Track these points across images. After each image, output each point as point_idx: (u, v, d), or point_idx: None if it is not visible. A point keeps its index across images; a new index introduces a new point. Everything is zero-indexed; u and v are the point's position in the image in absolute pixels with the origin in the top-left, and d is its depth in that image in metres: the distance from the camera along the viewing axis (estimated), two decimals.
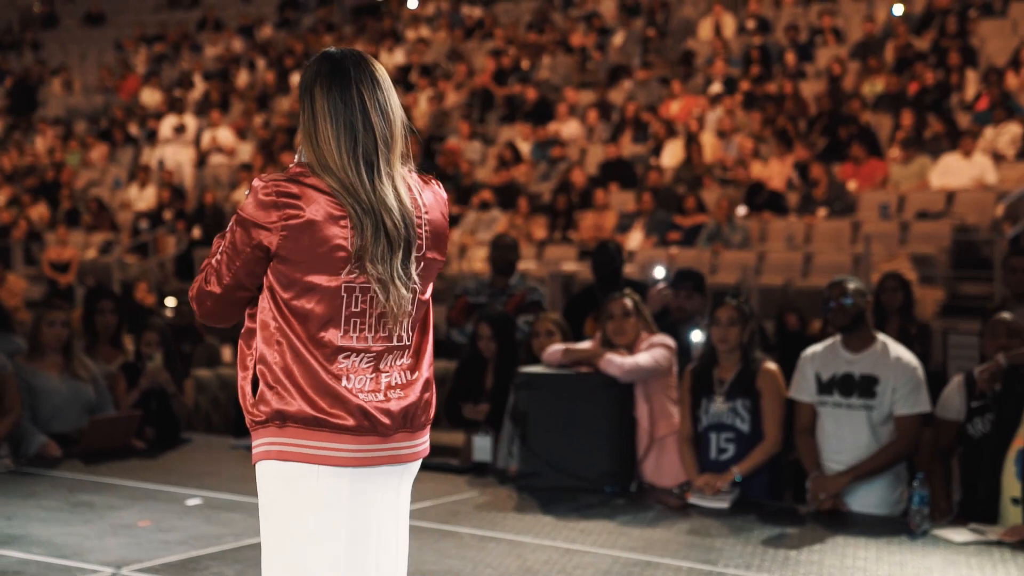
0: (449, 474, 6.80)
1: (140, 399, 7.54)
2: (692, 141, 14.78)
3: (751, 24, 17.72)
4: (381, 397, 2.89)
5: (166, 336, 7.72)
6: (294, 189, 2.82)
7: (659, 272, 7.88)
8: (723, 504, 5.89)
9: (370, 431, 2.86)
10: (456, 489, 6.42)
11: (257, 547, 5.36)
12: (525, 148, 16.28)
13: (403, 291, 2.86)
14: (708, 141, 15.05)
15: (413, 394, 2.94)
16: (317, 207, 2.80)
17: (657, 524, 5.71)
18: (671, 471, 6.33)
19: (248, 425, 2.93)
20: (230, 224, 2.87)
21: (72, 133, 20.11)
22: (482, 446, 6.92)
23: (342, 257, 2.82)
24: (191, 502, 6.17)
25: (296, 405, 2.85)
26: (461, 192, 15.46)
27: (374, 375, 2.90)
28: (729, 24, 18.00)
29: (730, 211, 13.13)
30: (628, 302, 6.43)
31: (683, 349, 6.73)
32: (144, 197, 17.57)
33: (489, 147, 16.92)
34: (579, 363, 6.38)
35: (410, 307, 2.91)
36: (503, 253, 8.28)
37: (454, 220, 14.98)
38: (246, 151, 18.21)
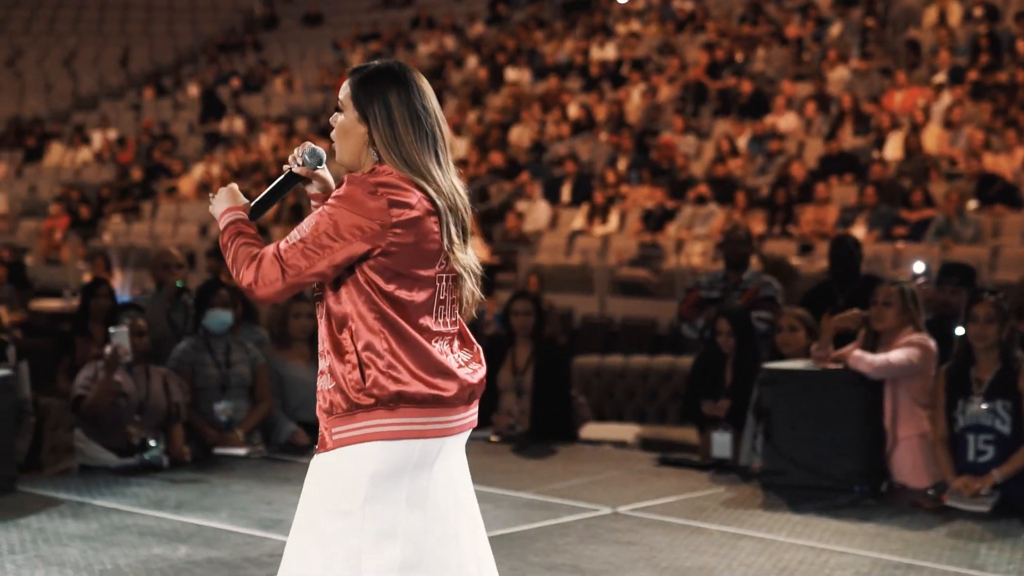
0: (689, 470, 6.77)
1: None
2: (916, 133, 14.37)
3: (978, 12, 17.13)
4: (468, 371, 3.11)
5: None
6: (401, 188, 3.00)
7: (918, 267, 7.69)
8: (983, 507, 5.71)
9: (463, 402, 3.09)
10: (699, 485, 6.38)
11: (509, 537, 5.46)
12: (741, 142, 16.09)
13: (475, 279, 3.11)
14: (933, 132, 14.61)
15: (482, 367, 3.18)
16: (419, 204, 3.00)
17: (914, 526, 5.57)
18: (918, 472, 6.17)
19: (339, 411, 3.01)
20: (321, 217, 2.98)
21: (294, 130, 20.73)
22: (722, 442, 6.87)
23: (436, 250, 3.04)
24: None
25: (415, 386, 3.01)
26: (676, 187, 15.38)
27: (452, 355, 3.12)
28: (955, 12, 17.44)
29: (960, 204, 12.71)
30: (895, 290, 6.28)
31: (950, 345, 6.51)
32: None
33: (703, 141, 16.78)
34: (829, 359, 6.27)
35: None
36: (735, 247, 8.18)
37: (670, 214, 14.92)
38: (461, 147, 18.47)
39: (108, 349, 6.59)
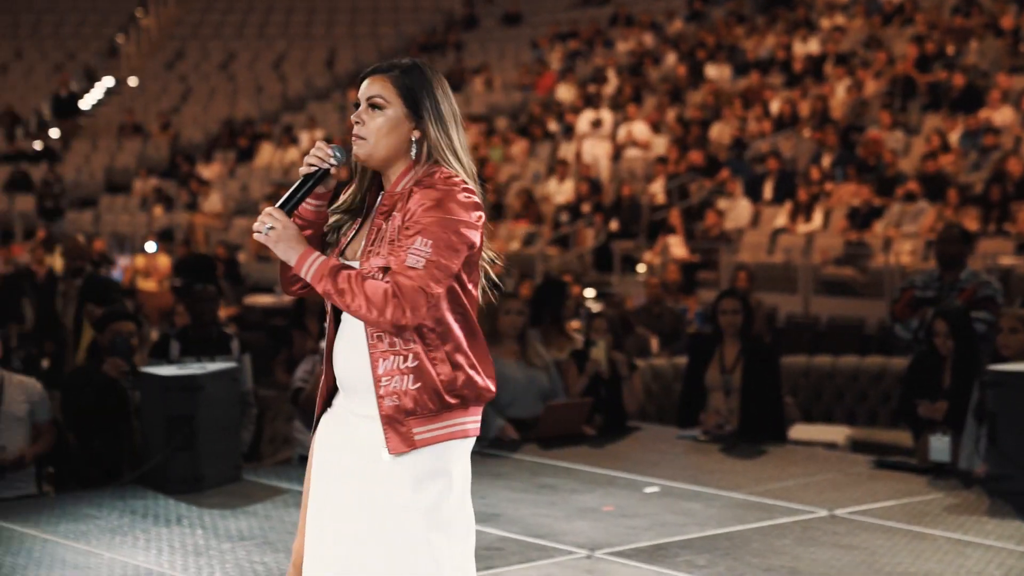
0: (906, 473, 6.59)
1: (588, 386, 7.73)
2: None
3: None
4: None
5: (614, 324, 7.88)
6: (472, 188, 3.05)
7: None
8: None
9: None
10: (918, 489, 6.21)
11: (725, 537, 5.41)
12: (953, 137, 15.59)
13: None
14: None
15: None
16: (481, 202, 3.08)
17: None
18: None
19: (426, 411, 3.02)
20: (435, 233, 2.96)
21: (494, 129, 20.95)
22: (940, 446, 6.66)
23: (479, 249, 3.11)
24: (649, 489, 6.27)
25: (485, 383, 3.10)
26: (883, 183, 15.00)
27: None
28: None
29: None
30: None
31: None
32: (563, 190, 18.07)
33: (912, 136, 16.32)
34: None
35: None
36: (948, 246, 7.92)
37: (877, 212, 14.56)
38: (660, 144, 18.39)
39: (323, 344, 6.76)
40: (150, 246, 16.75)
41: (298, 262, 3.01)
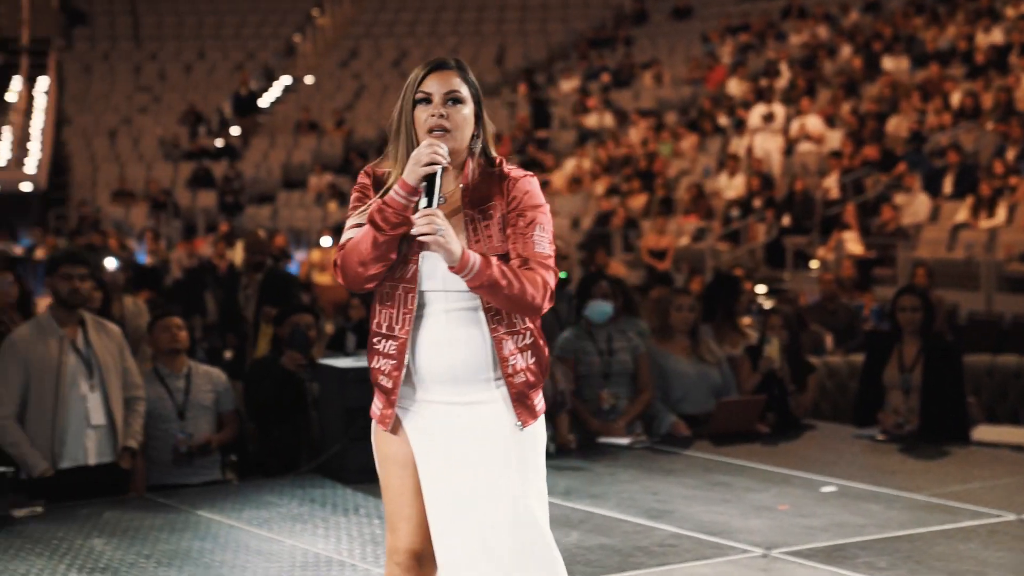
0: None
1: (761, 383, 7.61)
2: None
3: None
4: None
5: (790, 321, 7.75)
6: None
7: None
8: None
9: None
10: None
11: (906, 539, 5.26)
12: None
13: None
14: None
15: None
16: None
17: None
18: None
19: (539, 382, 3.28)
20: (542, 218, 3.24)
21: (663, 124, 20.81)
22: None
23: None
24: (826, 489, 6.14)
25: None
26: None
27: None
28: None
29: None
30: None
31: None
32: (733, 185, 17.86)
33: None
34: None
35: None
36: None
37: None
38: (834, 138, 18.02)
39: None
40: (325, 241, 17.11)
41: (463, 258, 3.10)
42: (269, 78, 27.68)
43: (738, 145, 19.02)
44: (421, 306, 3.23)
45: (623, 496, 6.03)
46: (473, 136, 3.28)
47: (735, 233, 16.75)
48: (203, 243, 18.73)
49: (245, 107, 25.79)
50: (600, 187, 19.25)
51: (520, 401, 3.24)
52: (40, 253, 18.70)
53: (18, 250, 19.97)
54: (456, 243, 3.10)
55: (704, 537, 5.37)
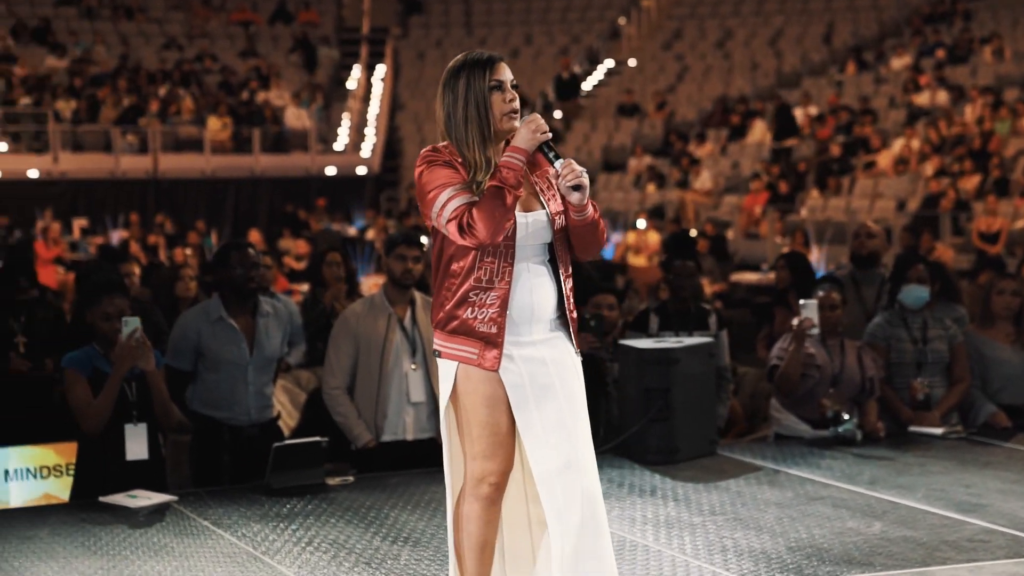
0: None
1: None
2: None
3: None
4: None
5: None
6: None
7: None
8: None
9: None
10: None
11: None
12: None
13: None
14: None
15: None
16: None
17: None
18: None
19: (575, 323, 3.90)
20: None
21: (1002, 101, 19.73)
22: None
23: None
24: None
25: None
26: None
27: None
28: None
29: None
30: None
31: None
32: None
33: None
34: None
35: None
36: None
37: None
38: None
39: (795, 321, 6.63)
40: (640, 222, 17.15)
41: (588, 202, 3.80)
42: (593, 61, 27.95)
43: None
44: (516, 260, 3.78)
45: (932, 488, 5.77)
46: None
47: None
48: None
49: (567, 90, 26.13)
50: (930, 168, 18.45)
51: (575, 332, 3.89)
52: (371, 234, 19.59)
53: (352, 231, 21.00)
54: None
55: (1020, 534, 5.07)
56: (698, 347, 6.43)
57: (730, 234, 18.87)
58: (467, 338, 3.75)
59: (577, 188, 3.72)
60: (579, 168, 3.73)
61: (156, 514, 5.37)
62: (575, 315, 3.89)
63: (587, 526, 3.74)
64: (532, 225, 3.77)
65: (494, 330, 3.72)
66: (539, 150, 3.76)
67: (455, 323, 3.76)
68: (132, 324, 5.42)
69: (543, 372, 3.76)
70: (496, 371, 3.73)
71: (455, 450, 3.92)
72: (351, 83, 27.70)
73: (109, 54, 25.93)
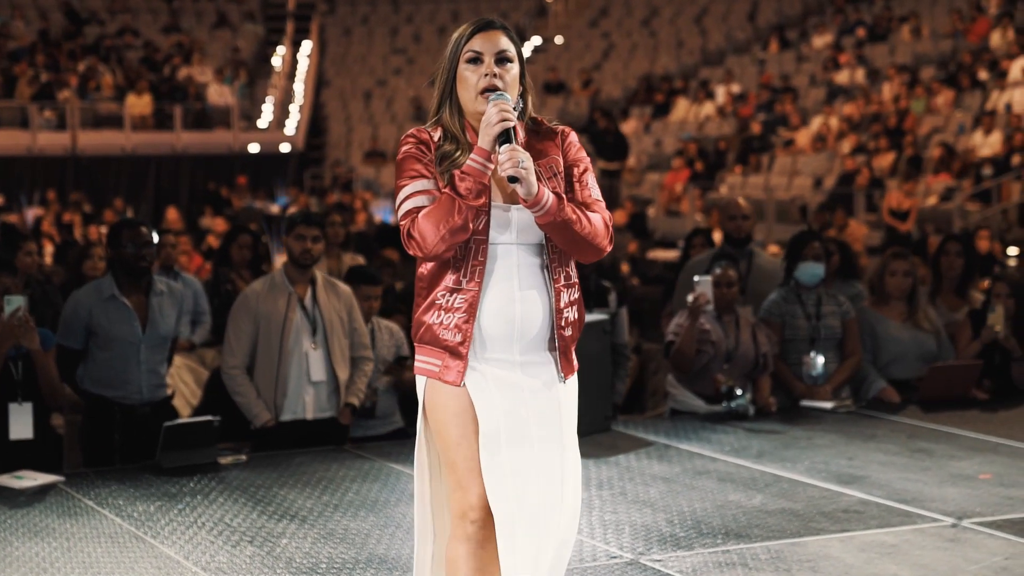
0: None
1: (982, 350, 7.27)
2: None
3: None
4: None
5: (1019, 288, 7.36)
6: None
7: None
8: None
9: None
10: None
11: None
12: None
13: None
14: None
15: None
16: None
17: None
18: None
19: (569, 343, 3.30)
20: (589, 164, 3.34)
21: (918, 79, 20.00)
22: None
23: None
24: None
25: None
26: None
27: None
28: None
29: None
30: None
31: None
32: (989, 143, 17.04)
33: None
34: None
35: None
36: None
37: None
38: None
39: (690, 297, 6.72)
40: None
41: (539, 193, 3.11)
42: (520, 39, 27.88)
43: (997, 100, 18.12)
44: (491, 259, 3.18)
45: (816, 460, 5.89)
46: (518, 96, 3.28)
47: (987, 192, 15.99)
48: None
49: None
50: (846, 146, 18.68)
51: (565, 355, 3.28)
52: (293, 212, 19.49)
53: (275, 209, 20.89)
54: (534, 178, 3.11)
55: (893, 504, 5.20)
56: (593, 324, 6.48)
57: (651, 211, 19.00)
58: (432, 348, 3.21)
59: (513, 180, 3.07)
60: (521, 156, 3.06)
61: (40, 495, 5.35)
62: (568, 333, 3.27)
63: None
64: (518, 220, 3.18)
65: (458, 338, 3.16)
66: (496, 140, 3.11)
67: (422, 330, 3.23)
68: (15, 303, 5.39)
69: (518, 401, 3.19)
70: (461, 385, 3.18)
71: (423, 486, 3.37)
72: (276, 60, 27.51)
73: (27, 29, 25.55)
